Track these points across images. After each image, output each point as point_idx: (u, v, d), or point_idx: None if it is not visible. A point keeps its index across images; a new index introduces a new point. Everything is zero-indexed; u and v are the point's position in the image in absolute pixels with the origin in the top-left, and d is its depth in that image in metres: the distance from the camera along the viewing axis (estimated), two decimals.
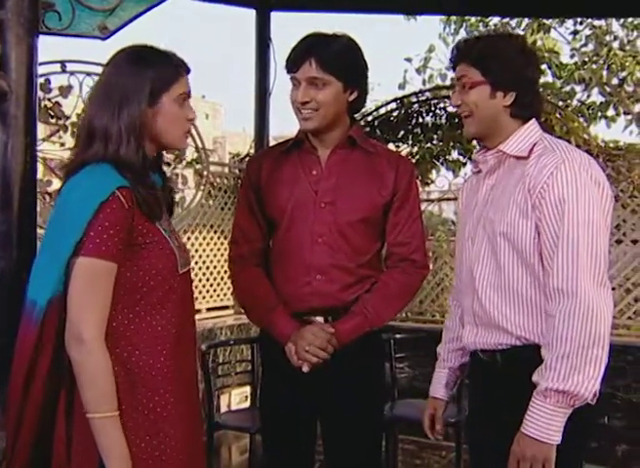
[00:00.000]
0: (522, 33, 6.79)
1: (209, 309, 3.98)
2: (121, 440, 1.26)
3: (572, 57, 7.17)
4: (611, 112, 6.73)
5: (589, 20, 6.94)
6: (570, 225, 1.37)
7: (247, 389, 3.39)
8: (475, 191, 1.62)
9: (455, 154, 4.38)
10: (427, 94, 4.53)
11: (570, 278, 1.35)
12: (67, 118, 3.16)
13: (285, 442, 1.83)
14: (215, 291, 4.02)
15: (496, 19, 7.13)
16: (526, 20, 6.94)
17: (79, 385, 1.26)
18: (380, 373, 1.93)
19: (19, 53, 1.62)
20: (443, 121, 4.25)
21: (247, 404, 3.46)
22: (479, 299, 1.53)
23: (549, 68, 6.67)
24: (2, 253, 1.60)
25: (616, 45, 7.02)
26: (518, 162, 1.51)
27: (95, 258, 1.25)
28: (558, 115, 3.93)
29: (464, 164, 4.36)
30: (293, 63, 1.72)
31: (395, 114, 4.30)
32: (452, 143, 4.29)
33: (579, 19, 6.94)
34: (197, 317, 4.06)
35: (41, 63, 2.25)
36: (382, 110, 4.38)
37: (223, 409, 3.48)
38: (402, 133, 4.30)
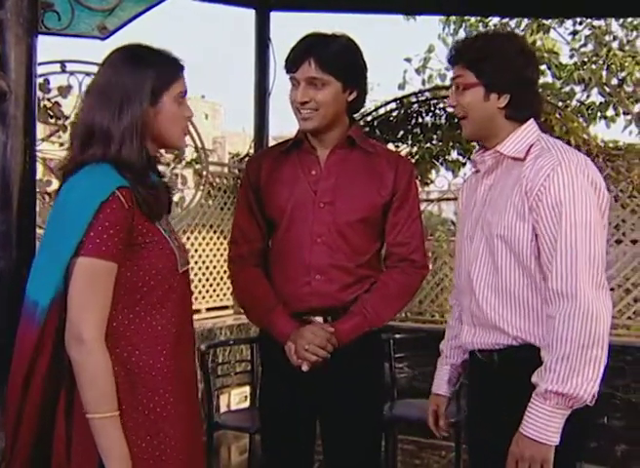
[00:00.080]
0: (521, 33, 6.80)
1: (208, 309, 3.98)
2: (121, 440, 1.26)
3: (571, 57, 7.17)
4: (610, 112, 6.73)
5: (589, 21, 6.94)
6: (568, 228, 1.37)
7: (246, 389, 3.39)
8: (474, 191, 1.62)
9: (454, 154, 4.39)
10: (427, 94, 4.54)
11: (569, 280, 1.36)
12: (67, 118, 3.16)
13: (284, 442, 1.83)
14: (214, 291, 4.02)
15: (495, 20, 7.13)
16: (525, 21, 6.94)
17: (79, 385, 1.26)
18: (379, 373, 1.93)
19: (18, 53, 1.62)
20: (442, 121, 4.26)
21: (246, 404, 3.46)
22: (476, 300, 1.53)
23: (549, 69, 6.67)
24: (1, 253, 1.60)
25: (615, 45, 7.02)
26: (515, 163, 1.51)
27: (95, 258, 1.25)
28: (558, 115, 3.93)
29: (464, 164, 4.36)
30: (292, 63, 1.72)
31: (395, 114, 4.30)
32: (451, 143, 4.29)
33: (578, 20, 6.94)
34: (197, 317, 4.06)
35: (40, 63, 2.25)
36: (382, 110, 4.38)
37: (223, 409, 3.48)
38: (401, 133, 4.30)
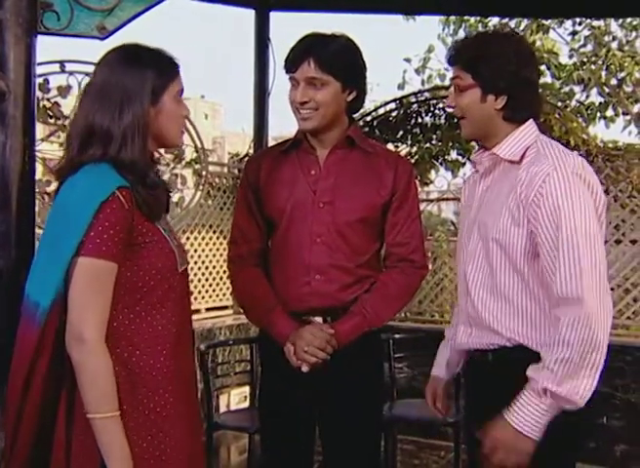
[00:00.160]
0: (521, 34, 6.79)
1: (208, 309, 3.98)
2: (122, 440, 1.26)
3: (570, 57, 7.17)
4: (610, 112, 6.74)
5: (588, 21, 6.94)
6: (568, 234, 1.37)
7: (246, 389, 3.39)
8: (473, 191, 1.63)
9: (454, 154, 4.39)
10: (426, 94, 4.54)
11: (574, 286, 1.35)
12: (66, 118, 3.15)
13: (284, 442, 1.83)
14: (214, 291, 4.02)
15: (495, 20, 7.13)
16: (525, 21, 6.94)
17: (80, 386, 1.26)
18: (379, 373, 1.92)
19: (17, 53, 1.62)
20: (442, 121, 4.26)
21: (246, 404, 3.46)
22: (472, 300, 1.54)
23: (548, 69, 6.67)
24: (1, 253, 1.61)
25: (614, 45, 7.02)
26: (512, 166, 1.51)
27: (95, 258, 1.25)
28: (557, 115, 3.93)
29: (463, 164, 4.36)
30: (291, 63, 1.72)
31: (394, 114, 4.30)
32: (451, 143, 4.29)
33: (577, 20, 6.94)
34: (196, 317, 4.06)
35: (40, 63, 2.25)
36: (382, 110, 4.38)
37: (222, 409, 3.48)
38: (401, 133, 4.30)
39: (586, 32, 7.12)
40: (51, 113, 3.10)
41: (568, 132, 3.82)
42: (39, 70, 2.09)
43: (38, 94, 2.88)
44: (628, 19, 6.81)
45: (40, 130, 2.60)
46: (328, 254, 1.75)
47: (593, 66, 6.79)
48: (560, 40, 7.29)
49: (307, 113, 1.71)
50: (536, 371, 1.38)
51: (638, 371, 3.30)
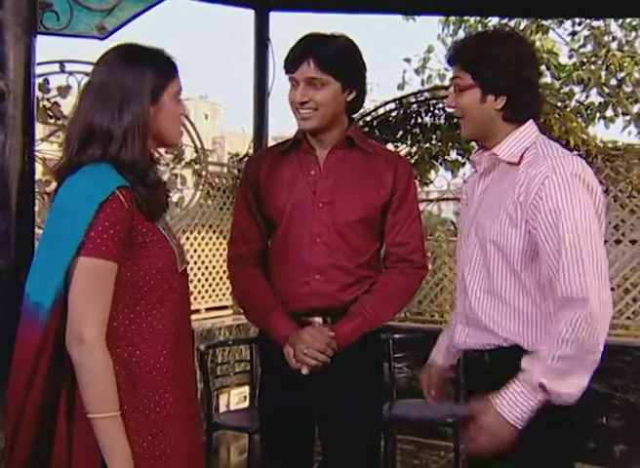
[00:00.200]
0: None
1: (208, 309, 3.98)
2: (123, 440, 1.26)
3: (570, 57, 7.18)
4: (609, 113, 6.74)
5: (588, 21, 6.95)
6: (570, 235, 1.37)
7: (246, 389, 3.39)
8: (473, 191, 1.63)
9: (453, 154, 4.39)
10: (426, 94, 4.54)
11: (579, 287, 1.35)
12: (66, 118, 3.15)
13: (284, 442, 1.83)
14: (214, 291, 4.02)
15: (495, 20, 7.14)
16: (525, 21, 6.94)
17: (80, 385, 1.26)
18: (378, 373, 1.92)
19: (17, 53, 1.62)
20: (442, 121, 4.26)
21: (246, 404, 3.46)
22: (469, 300, 1.54)
23: (548, 69, 6.68)
24: (0, 253, 1.61)
25: (614, 46, 7.03)
26: (511, 167, 1.51)
27: (95, 258, 1.25)
28: (557, 116, 3.93)
29: (463, 164, 4.36)
30: (291, 64, 1.72)
31: (394, 114, 4.30)
32: (450, 144, 4.30)
33: (577, 20, 6.95)
34: (196, 317, 4.06)
35: (40, 63, 2.25)
36: (381, 110, 4.38)
37: (222, 409, 3.48)
38: (401, 133, 4.30)
39: (586, 32, 7.13)
40: (51, 113, 3.11)
41: (568, 132, 3.83)
42: (39, 70, 2.10)
43: (38, 94, 2.88)
44: (628, 20, 6.82)
45: (40, 130, 2.59)
46: (328, 255, 1.75)
47: (593, 66, 6.79)
48: (560, 40, 7.31)
49: (307, 113, 1.71)
50: (531, 364, 1.38)
51: (638, 372, 3.30)
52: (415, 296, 3.71)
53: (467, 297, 1.55)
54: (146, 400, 1.32)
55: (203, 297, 3.93)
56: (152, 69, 1.35)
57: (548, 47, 6.82)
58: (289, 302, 1.77)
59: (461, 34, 7.34)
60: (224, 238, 3.91)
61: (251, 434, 2.83)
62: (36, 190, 1.81)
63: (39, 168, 2.81)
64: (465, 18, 7.28)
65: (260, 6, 3.73)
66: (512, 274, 1.47)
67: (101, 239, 1.25)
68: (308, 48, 1.70)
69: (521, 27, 7.00)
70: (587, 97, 6.87)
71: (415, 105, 4.30)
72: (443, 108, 4.20)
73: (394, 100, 4.38)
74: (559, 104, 5.81)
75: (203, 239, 3.92)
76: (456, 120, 1.70)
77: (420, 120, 4.30)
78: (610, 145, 3.96)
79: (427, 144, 4.31)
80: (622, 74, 6.60)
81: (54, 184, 1.39)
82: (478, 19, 7.19)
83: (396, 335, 3.17)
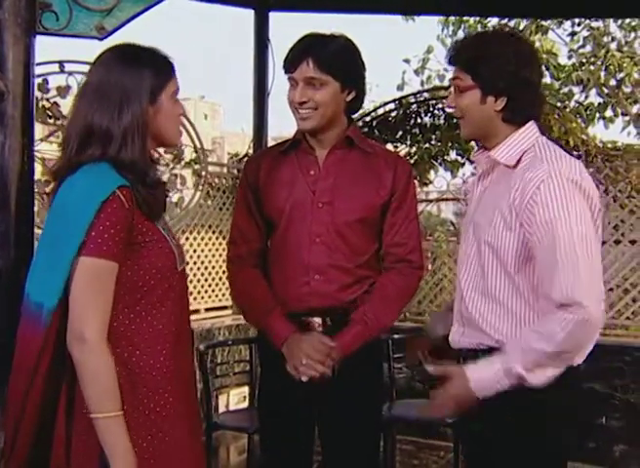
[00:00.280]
0: None
1: (207, 309, 3.97)
2: (125, 439, 1.26)
3: (570, 58, 7.18)
4: (609, 113, 6.74)
5: (587, 22, 6.95)
6: (566, 241, 1.36)
7: (245, 389, 3.39)
8: (473, 191, 1.64)
9: (453, 154, 4.39)
10: (425, 94, 4.54)
11: (573, 292, 1.35)
12: (65, 118, 3.15)
13: (283, 442, 1.83)
14: (213, 291, 4.02)
15: (494, 21, 7.14)
16: (524, 22, 6.94)
17: (82, 385, 1.26)
18: (378, 374, 1.93)
19: (16, 53, 1.62)
20: (441, 121, 4.26)
21: (245, 404, 3.46)
22: (463, 300, 1.55)
23: (547, 70, 6.67)
24: (0, 253, 1.60)
25: (613, 46, 7.03)
26: (508, 169, 1.50)
27: (96, 258, 1.25)
28: (556, 116, 3.93)
29: (463, 164, 4.36)
30: (290, 64, 1.72)
31: (394, 115, 4.30)
32: (450, 144, 4.30)
33: (576, 21, 6.95)
34: (196, 317, 4.05)
35: (39, 64, 2.25)
36: (381, 111, 4.38)
37: (222, 409, 3.48)
38: (400, 133, 4.30)
39: (585, 33, 7.13)
40: (50, 113, 3.10)
41: (567, 132, 3.83)
42: (38, 70, 2.09)
43: (37, 94, 2.88)
44: (627, 20, 6.82)
45: (39, 130, 2.60)
46: (327, 255, 1.75)
47: (592, 67, 6.79)
48: (559, 41, 7.31)
49: (306, 113, 1.71)
50: (514, 351, 1.40)
51: (637, 372, 3.30)
52: (414, 296, 3.72)
53: (462, 297, 1.55)
54: (146, 400, 1.32)
55: (203, 298, 3.93)
56: (150, 69, 1.35)
57: (548, 47, 6.82)
58: (288, 302, 1.76)
59: (461, 35, 7.35)
60: (224, 238, 3.90)
61: (250, 434, 2.83)
62: (35, 190, 1.81)
63: (38, 168, 2.81)
64: (465, 18, 7.28)
65: (260, 6, 3.73)
66: (506, 276, 1.47)
67: (102, 238, 1.25)
68: (307, 48, 1.70)
69: (520, 28, 7.01)
70: (587, 97, 6.88)
71: (414, 106, 4.30)
72: (442, 109, 4.20)
73: (394, 101, 4.38)
74: (558, 105, 5.82)
75: (203, 239, 3.92)
76: (455, 120, 1.70)
77: (419, 120, 4.30)
78: (609, 146, 3.96)
79: (427, 145, 4.31)
80: (622, 75, 6.61)
81: (53, 184, 1.39)
82: (477, 19, 7.19)
83: (396, 335, 3.17)
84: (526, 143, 1.50)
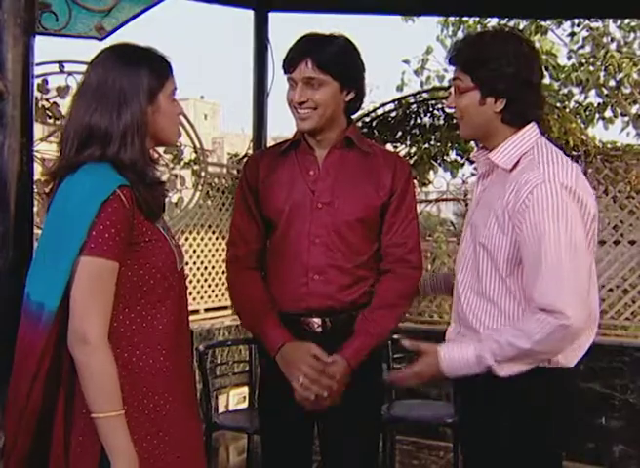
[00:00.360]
0: None
1: (207, 310, 3.97)
2: (127, 438, 1.26)
3: (569, 58, 7.20)
4: (608, 114, 6.75)
5: (586, 22, 6.96)
6: (551, 247, 1.36)
7: (245, 389, 3.39)
8: (474, 192, 1.64)
9: (452, 155, 4.38)
10: (425, 94, 4.54)
11: (555, 299, 1.35)
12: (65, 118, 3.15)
13: (283, 442, 1.83)
14: (212, 291, 4.01)
15: (494, 21, 7.15)
16: (524, 22, 6.95)
17: (83, 386, 1.25)
18: (377, 374, 1.92)
19: (15, 53, 1.62)
20: (441, 122, 4.26)
21: (245, 404, 3.46)
22: (459, 299, 1.55)
23: (547, 70, 6.68)
24: None
25: (613, 47, 7.04)
26: (505, 172, 1.50)
27: (97, 258, 1.25)
28: (556, 116, 3.93)
29: (462, 165, 4.36)
30: (289, 64, 1.72)
31: (393, 115, 4.30)
32: (450, 144, 4.29)
33: (576, 21, 6.96)
34: (195, 317, 4.04)
35: (39, 64, 2.24)
36: (380, 111, 4.38)
37: (221, 409, 3.48)
38: (400, 133, 4.30)
39: (585, 33, 7.14)
40: (49, 113, 3.10)
41: (567, 132, 3.82)
42: (38, 71, 2.09)
43: (37, 94, 2.87)
44: (627, 21, 6.83)
45: (39, 130, 2.59)
46: (326, 255, 1.75)
47: (592, 67, 6.80)
48: (558, 41, 7.32)
49: (306, 113, 1.71)
50: (489, 341, 1.42)
51: (637, 372, 3.30)
52: (414, 297, 3.72)
53: (458, 296, 1.56)
54: (146, 400, 1.32)
55: (202, 298, 3.93)
56: (148, 69, 1.35)
57: (547, 48, 6.83)
58: (287, 303, 1.76)
59: (461, 35, 7.36)
60: (224, 238, 3.90)
61: (250, 434, 2.83)
62: (35, 190, 1.81)
63: (38, 168, 2.81)
64: (464, 18, 7.29)
65: (260, 6, 3.73)
66: (499, 277, 1.47)
67: (103, 238, 1.25)
68: (306, 48, 1.70)
69: (520, 28, 7.02)
70: (586, 97, 6.89)
71: (414, 106, 4.30)
72: (442, 109, 4.20)
73: (393, 101, 4.38)
74: (558, 105, 5.82)
75: (202, 239, 3.92)
76: (455, 120, 1.70)
77: (419, 121, 4.30)
78: (609, 146, 3.96)
79: (426, 145, 4.31)
80: (621, 75, 6.61)
81: (51, 184, 1.39)
82: (477, 19, 7.19)
83: (395, 336, 3.16)
84: (525, 146, 1.49)
